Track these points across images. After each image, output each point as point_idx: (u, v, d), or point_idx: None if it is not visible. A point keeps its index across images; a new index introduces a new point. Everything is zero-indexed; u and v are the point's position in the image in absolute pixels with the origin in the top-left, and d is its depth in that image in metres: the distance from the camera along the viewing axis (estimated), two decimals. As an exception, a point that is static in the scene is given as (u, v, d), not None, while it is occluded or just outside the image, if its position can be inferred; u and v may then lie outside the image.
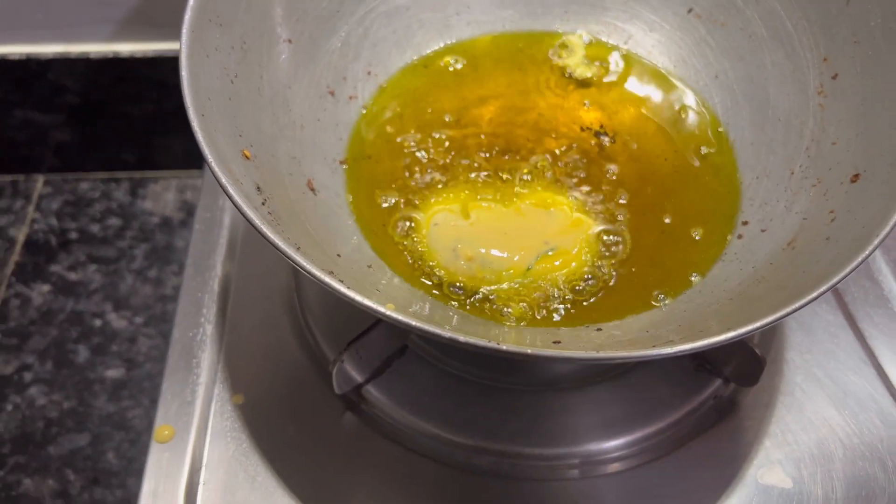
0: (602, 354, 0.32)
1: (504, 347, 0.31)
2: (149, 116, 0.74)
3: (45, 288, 0.71)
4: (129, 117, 0.74)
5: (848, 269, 0.34)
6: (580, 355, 0.32)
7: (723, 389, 0.46)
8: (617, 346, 0.37)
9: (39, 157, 0.77)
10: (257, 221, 0.33)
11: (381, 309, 0.32)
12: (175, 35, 0.71)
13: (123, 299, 0.71)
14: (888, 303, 0.49)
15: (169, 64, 0.69)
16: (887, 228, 0.34)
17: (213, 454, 0.43)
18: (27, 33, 0.67)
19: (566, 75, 0.50)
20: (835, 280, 0.33)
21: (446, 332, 0.31)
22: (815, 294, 0.33)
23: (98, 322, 0.69)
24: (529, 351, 0.31)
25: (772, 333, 0.48)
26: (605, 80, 0.51)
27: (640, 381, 0.46)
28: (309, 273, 0.33)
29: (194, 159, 0.73)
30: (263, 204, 0.37)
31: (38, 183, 0.78)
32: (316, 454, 0.44)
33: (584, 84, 0.51)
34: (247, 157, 0.39)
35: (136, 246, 0.74)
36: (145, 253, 0.74)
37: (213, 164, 0.34)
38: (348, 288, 0.32)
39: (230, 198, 0.34)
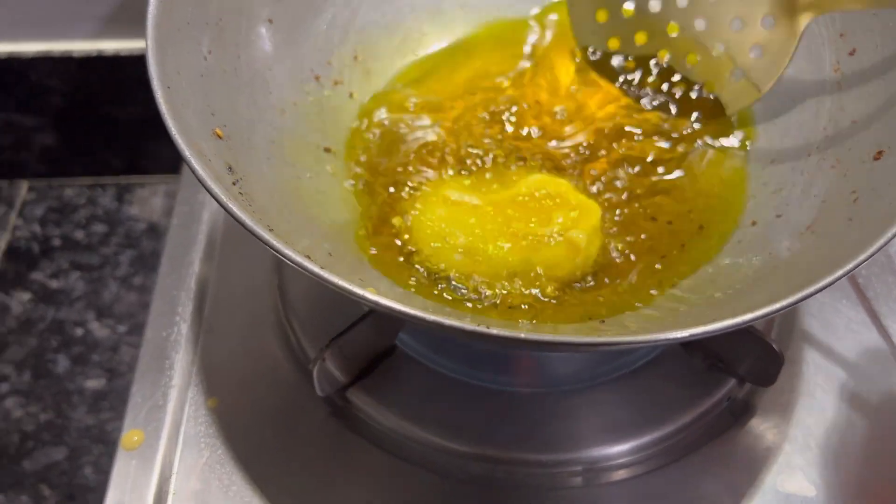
0: (601, 339, 0.29)
1: (493, 331, 0.28)
2: (136, 119, 0.71)
3: (26, 296, 0.68)
4: (115, 120, 0.71)
5: (875, 248, 0.31)
6: (576, 339, 0.29)
7: (737, 390, 0.43)
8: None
9: (24, 161, 0.74)
10: (223, 198, 0.31)
11: (362, 292, 0.29)
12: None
13: (106, 307, 0.68)
14: (913, 298, 0.46)
15: (155, 62, 0.66)
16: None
17: (184, 462, 0.40)
18: (7, 31, 0.65)
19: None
20: (861, 258, 0.30)
21: (429, 316, 0.28)
22: (838, 274, 0.30)
23: (79, 331, 0.66)
24: (522, 335, 0.28)
25: (789, 331, 0.45)
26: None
27: (648, 382, 0.43)
28: (280, 254, 0.30)
29: (183, 163, 0.70)
30: (234, 184, 0.35)
31: (23, 189, 0.75)
32: (296, 462, 0.41)
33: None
34: (219, 137, 0.37)
35: (122, 252, 0.71)
36: (130, 260, 0.71)
37: (176, 136, 0.32)
38: (321, 269, 0.29)
39: (193, 171, 0.31)
